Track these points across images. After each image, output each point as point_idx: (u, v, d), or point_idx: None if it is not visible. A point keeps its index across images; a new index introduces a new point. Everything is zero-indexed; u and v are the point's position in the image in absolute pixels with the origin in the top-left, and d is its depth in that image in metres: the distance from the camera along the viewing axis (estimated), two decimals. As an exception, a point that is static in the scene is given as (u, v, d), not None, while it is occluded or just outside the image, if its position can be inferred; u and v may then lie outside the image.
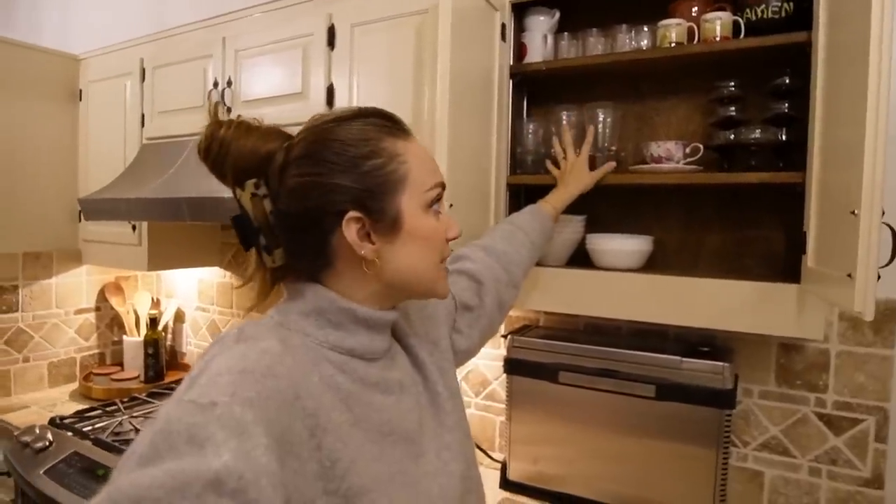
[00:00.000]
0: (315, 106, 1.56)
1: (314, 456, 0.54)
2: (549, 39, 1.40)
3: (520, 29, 1.42)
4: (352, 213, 0.61)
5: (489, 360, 1.68)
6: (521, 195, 1.47)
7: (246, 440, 0.45)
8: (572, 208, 1.35)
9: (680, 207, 1.41)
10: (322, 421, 0.55)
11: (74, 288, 2.29)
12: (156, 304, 2.38)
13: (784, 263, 1.28)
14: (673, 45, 1.24)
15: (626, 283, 1.27)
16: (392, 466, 0.62)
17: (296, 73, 1.59)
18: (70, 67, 2.13)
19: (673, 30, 1.25)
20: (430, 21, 1.38)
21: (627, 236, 1.33)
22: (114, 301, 2.32)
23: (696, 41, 1.23)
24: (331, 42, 1.54)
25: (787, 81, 1.20)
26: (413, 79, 1.42)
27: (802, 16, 1.12)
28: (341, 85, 1.53)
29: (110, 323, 2.41)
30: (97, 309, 2.36)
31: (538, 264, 1.36)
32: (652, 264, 1.35)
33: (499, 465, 1.50)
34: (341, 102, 1.52)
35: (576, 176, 1.27)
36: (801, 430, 1.30)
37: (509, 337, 1.43)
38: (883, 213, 0.82)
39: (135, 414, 1.86)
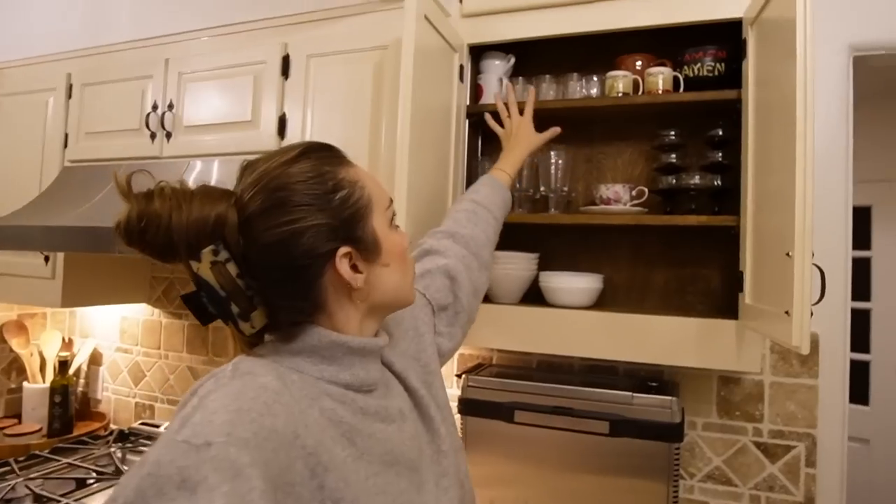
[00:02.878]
0: (265, 136, 1.58)
1: (316, 496, 0.54)
2: (505, 83, 1.52)
3: (476, 71, 1.53)
4: (343, 249, 0.63)
5: (438, 399, 1.71)
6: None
7: (241, 484, 0.45)
8: (525, 247, 1.44)
9: (628, 247, 1.53)
10: (324, 459, 0.56)
11: (-36, 327, 2.10)
12: (67, 344, 2.22)
13: (722, 300, 1.43)
14: (620, 94, 1.39)
15: (578, 321, 1.35)
16: (396, 499, 0.63)
17: (245, 100, 1.61)
18: (-17, 77, 2.02)
19: (620, 81, 1.39)
20: (389, 57, 1.46)
21: (579, 274, 1.43)
22: (14, 342, 2.13)
23: (641, 92, 1.39)
24: (285, 71, 1.58)
25: (721, 133, 1.37)
26: (371, 114, 1.48)
27: (733, 76, 1.30)
28: (294, 115, 1.56)
29: (7, 368, 2.20)
30: (-9, 352, 2.16)
31: (492, 301, 1.43)
32: (602, 302, 1.45)
33: (451, 508, 1.52)
34: (294, 133, 1.56)
35: (524, 135, 1.28)
36: (741, 460, 1.43)
37: (464, 377, 1.46)
38: (812, 254, 0.96)
39: (33, 475, 1.63)
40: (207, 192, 0.62)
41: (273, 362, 0.62)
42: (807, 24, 0.95)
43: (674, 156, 1.43)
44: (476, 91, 1.52)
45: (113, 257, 1.97)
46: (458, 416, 1.49)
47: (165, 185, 0.61)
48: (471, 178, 1.52)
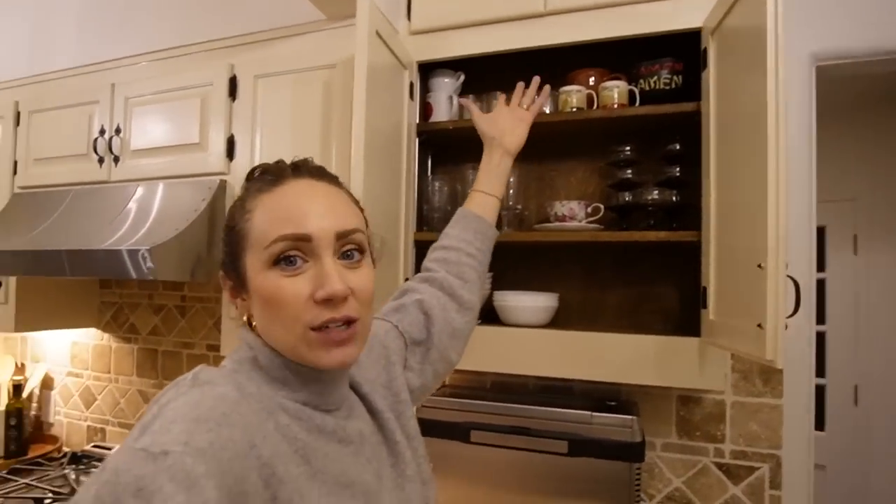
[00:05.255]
0: (214, 158, 1.37)
1: None
2: (455, 100, 1.32)
3: (425, 89, 1.33)
4: (220, 273, 0.62)
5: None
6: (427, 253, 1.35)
7: (195, 495, 0.41)
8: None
9: (580, 266, 1.34)
10: (279, 471, 0.50)
11: (-82, 353, 1.83)
12: (20, 369, 1.97)
13: (679, 317, 1.24)
14: (574, 109, 1.20)
15: (534, 339, 1.17)
16: None
17: (193, 122, 1.40)
18: (-70, 107, 1.77)
19: (574, 96, 1.21)
20: (338, 76, 1.26)
21: (535, 293, 1.24)
22: (-31, 367, 1.88)
23: (595, 107, 1.20)
24: (232, 93, 1.37)
25: (678, 147, 1.19)
26: (320, 132, 1.28)
27: (690, 88, 1.13)
28: (243, 136, 1.35)
29: (-37, 393, 1.94)
30: (-53, 377, 1.90)
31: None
32: (555, 321, 1.26)
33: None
34: (243, 154, 1.35)
35: (511, 124, 1.03)
36: (702, 481, 1.23)
37: (419, 398, 1.27)
38: (787, 265, 0.78)
39: (-9, 496, 1.46)
40: None
41: (233, 373, 0.56)
42: (778, 32, 0.78)
43: (629, 171, 1.25)
44: (425, 109, 1.32)
45: (64, 282, 1.76)
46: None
47: None
48: (422, 197, 1.32)
